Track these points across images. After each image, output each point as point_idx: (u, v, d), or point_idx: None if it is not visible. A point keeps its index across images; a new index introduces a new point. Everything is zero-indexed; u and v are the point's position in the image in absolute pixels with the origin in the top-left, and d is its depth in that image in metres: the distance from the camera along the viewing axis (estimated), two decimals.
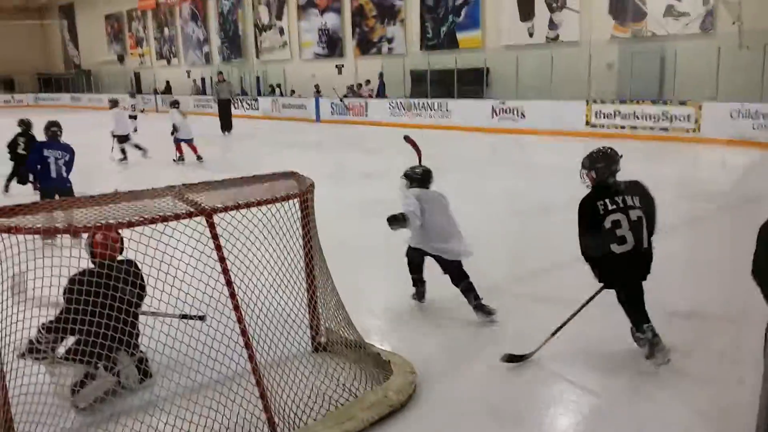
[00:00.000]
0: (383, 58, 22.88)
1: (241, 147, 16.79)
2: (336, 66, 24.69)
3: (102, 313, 3.11)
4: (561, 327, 3.84)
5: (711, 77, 14.29)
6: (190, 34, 32.23)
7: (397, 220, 4.79)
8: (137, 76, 36.17)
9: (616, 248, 3.71)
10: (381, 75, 22.37)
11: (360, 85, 22.71)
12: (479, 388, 3.58)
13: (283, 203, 3.40)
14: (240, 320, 3.04)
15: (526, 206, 8.42)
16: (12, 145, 9.47)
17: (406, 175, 5.16)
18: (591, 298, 3.85)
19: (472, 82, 19.43)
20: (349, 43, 24.25)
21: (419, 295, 4.94)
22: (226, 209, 3.14)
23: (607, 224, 3.73)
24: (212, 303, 3.29)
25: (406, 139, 6.02)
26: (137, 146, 13.82)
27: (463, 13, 20.31)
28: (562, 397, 3.59)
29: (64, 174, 7.25)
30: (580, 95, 16.38)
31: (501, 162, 12.73)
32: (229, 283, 3.05)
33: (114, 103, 14.88)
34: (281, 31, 26.99)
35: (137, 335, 3.57)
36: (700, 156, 13.14)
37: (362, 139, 17.83)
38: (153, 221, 2.96)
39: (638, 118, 15.22)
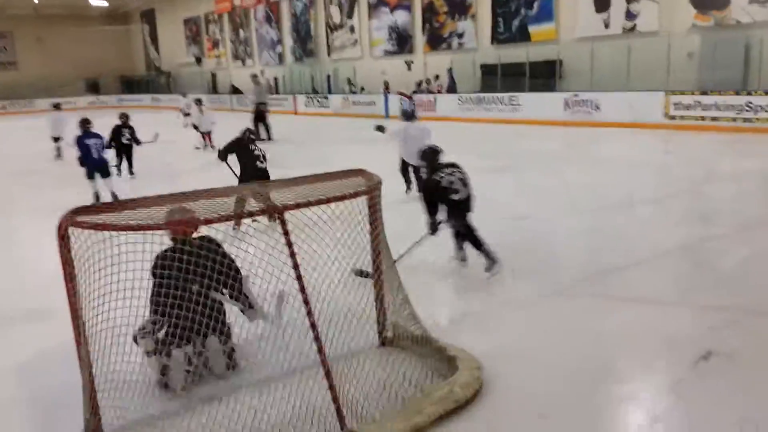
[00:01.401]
0: (453, 53, 22.76)
1: (311, 144, 17.08)
2: (405, 62, 24.75)
3: (188, 288, 3.27)
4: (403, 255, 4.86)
5: None
6: (264, 36, 33.01)
7: (380, 128, 9.17)
8: (214, 76, 37.37)
9: (454, 196, 5.40)
10: (450, 70, 22.26)
11: (429, 80, 22.67)
12: (546, 386, 3.55)
13: (351, 200, 3.48)
14: (309, 314, 3.13)
15: (600, 202, 8.22)
16: (116, 136, 11.25)
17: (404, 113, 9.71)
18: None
19: (543, 75, 19.07)
20: (419, 40, 24.25)
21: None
22: (297, 206, 3.24)
23: (445, 183, 5.42)
24: (285, 298, 3.39)
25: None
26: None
27: (535, 6, 19.95)
28: (634, 396, 3.52)
29: (102, 154, 9.26)
30: (658, 86, 15.81)
31: (574, 156, 12.43)
32: (299, 278, 3.15)
33: (198, 102, 16.97)
34: (352, 30, 27.28)
35: (224, 322, 3.72)
36: None
37: (431, 135, 17.80)
38: (229, 218, 3.10)
39: (720, 109, 14.53)
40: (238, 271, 3.68)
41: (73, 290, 3.04)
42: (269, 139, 17.35)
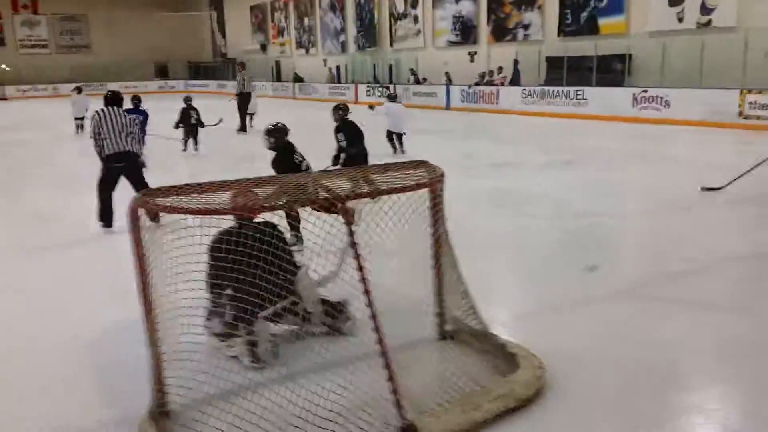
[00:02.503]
0: (518, 44, 22.39)
1: (370, 133, 17.09)
2: (469, 53, 24.50)
3: (244, 271, 3.33)
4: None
5: None
6: (328, 24, 33.23)
7: (370, 107, 12.36)
8: (278, 64, 37.87)
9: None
10: (516, 62, 21.91)
11: (492, 72, 22.37)
12: (607, 390, 3.45)
13: (413, 192, 3.46)
14: (370, 304, 3.13)
15: (667, 203, 7.95)
16: (184, 117, 12.63)
17: (389, 96, 13.36)
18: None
19: (612, 70, 18.58)
20: (484, 30, 23.94)
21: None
22: (358, 197, 3.24)
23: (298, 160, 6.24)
24: (344, 287, 3.40)
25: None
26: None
27: None
28: (702, 406, 3.39)
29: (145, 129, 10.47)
30: (732, 84, 15.14)
31: (641, 154, 12.06)
32: (360, 268, 3.15)
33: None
34: (415, 20, 27.15)
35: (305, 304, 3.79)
36: None
37: (492, 128, 17.59)
38: (291, 206, 3.12)
39: None
40: (294, 265, 3.74)
41: (143, 271, 3.13)
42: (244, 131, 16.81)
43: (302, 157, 6.39)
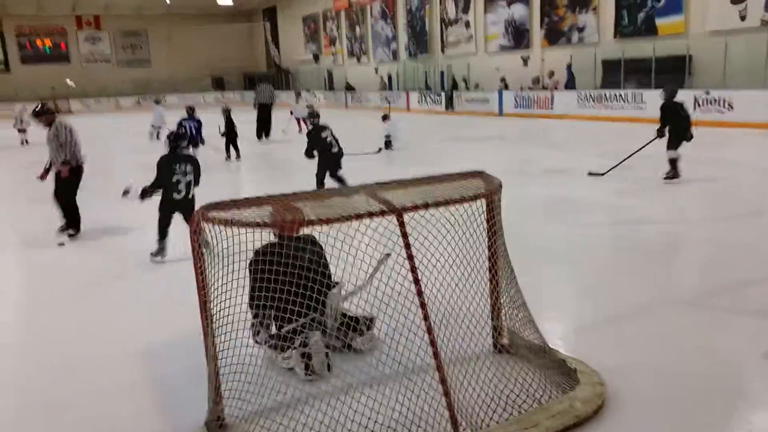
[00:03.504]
0: (573, 48, 22.00)
1: (422, 141, 17.08)
2: (522, 58, 24.22)
3: (288, 283, 3.36)
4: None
5: None
6: (379, 32, 33.42)
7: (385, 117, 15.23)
8: (330, 73, 38.30)
9: (332, 151, 8.76)
10: (569, 66, 21.54)
11: (551, 74, 22.05)
12: (672, 407, 3.32)
13: (470, 203, 3.42)
14: (426, 318, 3.10)
15: (730, 210, 7.65)
16: (228, 125, 13.89)
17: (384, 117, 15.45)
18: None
19: (671, 71, 18.01)
20: (537, 34, 23.63)
21: None
22: (415, 208, 3.21)
23: (328, 139, 8.72)
24: (399, 299, 3.38)
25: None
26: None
27: None
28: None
29: (194, 132, 12.66)
30: None
31: (703, 159, 11.64)
32: (416, 280, 3.13)
33: (298, 95, 21.42)
34: (467, 25, 27.03)
35: (326, 319, 3.80)
36: None
37: (547, 133, 17.32)
38: (348, 219, 3.12)
39: None
40: (326, 281, 3.74)
41: (203, 283, 3.19)
42: (266, 136, 18.66)
43: (335, 140, 8.82)
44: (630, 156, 9.52)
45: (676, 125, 9.14)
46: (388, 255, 3.57)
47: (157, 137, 18.32)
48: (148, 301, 5.36)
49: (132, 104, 41.34)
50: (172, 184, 6.18)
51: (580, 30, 21.78)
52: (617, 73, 19.53)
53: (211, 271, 3.18)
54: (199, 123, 13.04)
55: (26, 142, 19.37)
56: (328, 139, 8.73)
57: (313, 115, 9.33)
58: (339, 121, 20.84)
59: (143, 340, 4.47)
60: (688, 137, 9.15)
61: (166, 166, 6.22)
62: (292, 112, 19.87)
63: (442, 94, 26.51)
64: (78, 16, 43.12)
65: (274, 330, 3.85)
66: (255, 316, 3.79)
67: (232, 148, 14.03)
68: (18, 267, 7.01)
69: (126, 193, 6.71)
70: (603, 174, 9.66)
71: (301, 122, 18.44)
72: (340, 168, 8.80)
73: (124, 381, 3.88)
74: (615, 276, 5.47)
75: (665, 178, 9.24)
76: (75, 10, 41.86)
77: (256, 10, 46.00)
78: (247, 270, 3.55)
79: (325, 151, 8.75)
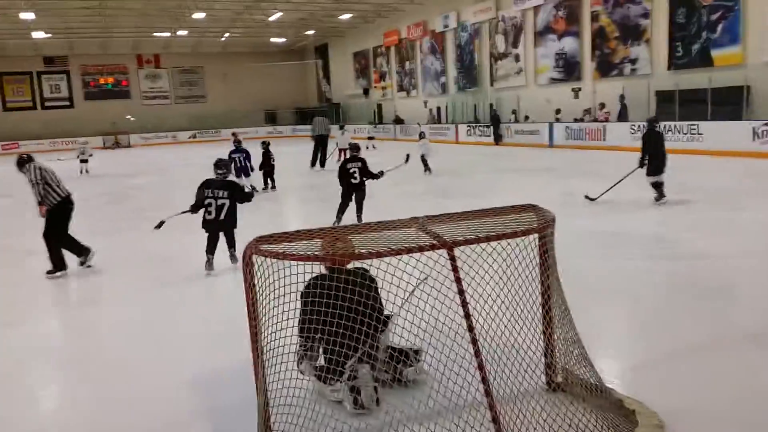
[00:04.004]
0: (625, 79, 21.72)
1: (471, 173, 17.02)
2: (572, 89, 24.04)
3: (337, 315, 3.34)
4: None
5: None
6: (428, 67, 33.76)
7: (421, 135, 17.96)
8: (379, 107, 38.77)
9: (352, 181, 9.41)
10: (622, 97, 21.26)
11: (602, 105, 21.81)
12: None
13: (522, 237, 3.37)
14: (477, 353, 3.04)
15: None
16: (265, 158, 14.66)
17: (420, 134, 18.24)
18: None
19: (728, 102, 17.58)
20: (588, 66, 23.45)
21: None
22: (466, 242, 3.18)
23: (352, 170, 9.48)
24: (450, 334, 3.34)
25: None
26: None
27: (719, 28, 18.51)
28: None
29: (243, 162, 13.51)
30: None
31: (763, 191, 11.26)
32: (467, 315, 3.08)
33: (341, 128, 23.27)
34: (516, 58, 27.06)
35: (376, 352, 3.77)
36: None
37: (599, 165, 17.03)
38: (399, 252, 3.11)
39: None
40: (379, 316, 3.72)
41: (254, 315, 3.22)
42: (322, 166, 19.60)
43: (358, 170, 9.52)
44: (619, 182, 10.46)
45: (657, 152, 10.04)
46: (426, 278, 3.53)
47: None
48: (200, 331, 5.43)
49: (188, 138, 42.66)
50: (204, 207, 6.95)
51: (633, 62, 21.52)
52: (671, 105, 19.16)
53: (263, 303, 3.21)
54: (246, 153, 13.79)
55: (86, 171, 21.13)
56: (352, 170, 9.49)
57: (353, 148, 10.23)
58: (390, 150, 21.08)
59: (195, 371, 4.52)
60: (665, 162, 10.13)
61: (198, 190, 7.06)
62: (337, 144, 21.10)
63: (491, 126, 26.51)
64: (139, 55, 44.98)
65: (322, 362, 3.84)
66: (301, 346, 3.80)
67: (269, 180, 14.79)
68: (69, 294, 7.22)
69: (159, 226, 7.20)
70: (595, 199, 10.51)
71: (343, 153, 19.53)
72: (364, 197, 9.61)
73: (175, 411, 3.92)
74: (671, 313, 5.29)
75: (656, 200, 10.06)
76: (136, 49, 43.67)
77: (309, 47, 47.13)
78: (299, 300, 3.57)
79: (350, 182, 9.48)
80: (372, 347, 3.70)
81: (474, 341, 3.05)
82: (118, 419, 3.91)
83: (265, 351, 3.25)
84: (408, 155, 13.74)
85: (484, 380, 3.01)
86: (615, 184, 10.42)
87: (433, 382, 3.37)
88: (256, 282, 3.19)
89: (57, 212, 7.46)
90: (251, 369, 3.30)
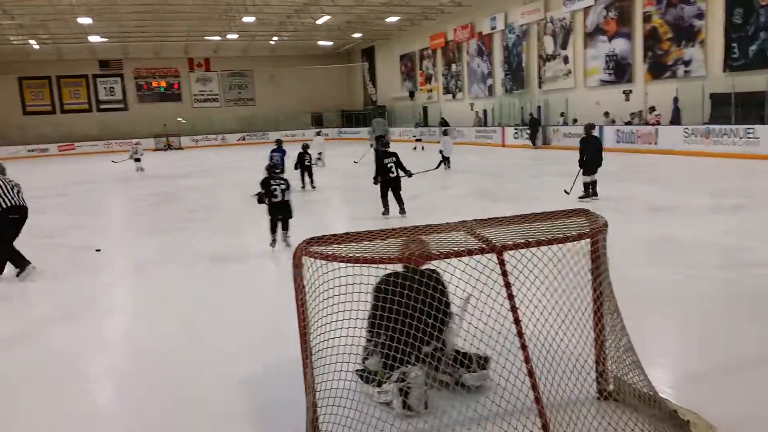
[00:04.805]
0: (678, 81, 21.17)
1: (517, 176, 16.84)
2: (623, 92, 23.54)
3: (403, 314, 3.36)
4: None
5: None
6: (475, 69, 33.55)
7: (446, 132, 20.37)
8: (425, 110, 38.72)
9: (390, 176, 10.28)
10: (675, 99, 20.72)
11: (650, 109, 21.31)
12: None
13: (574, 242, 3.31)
14: (527, 360, 3.00)
15: None
16: (300, 159, 15.61)
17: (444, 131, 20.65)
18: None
19: None
20: (639, 68, 22.93)
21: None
22: (516, 247, 3.15)
23: (389, 165, 10.30)
24: (499, 339, 3.31)
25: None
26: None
27: None
28: None
29: (278, 161, 14.56)
30: None
31: None
32: (517, 321, 3.05)
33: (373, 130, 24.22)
34: (565, 60, 26.65)
35: (440, 354, 3.77)
36: None
37: (651, 169, 16.66)
38: (447, 256, 3.10)
39: None
40: (444, 318, 3.71)
41: (303, 315, 3.24)
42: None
43: (393, 164, 10.40)
44: (574, 182, 11.70)
45: (593, 155, 11.47)
46: (469, 298, 3.50)
47: (322, 162, 21.57)
48: (252, 329, 5.51)
49: (236, 140, 43.43)
50: (270, 193, 8.51)
51: (686, 64, 20.95)
52: (726, 108, 18.59)
53: (312, 303, 3.24)
54: (283, 152, 15.71)
55: (141, 169, 22.53)
56: (389, 165, 10.42)
57: (383, 143, 11.77)
58: (432, 154, 21.01)
59: (246, 368, 4.59)
60: (600, 164, 11.63)
61: (264, 183, 8.63)
62: (371, 144, 22.36)
63: (540, 128, 26.22)
64: (190, 59, 45.99)
65: (373, 363, 3.86)
66: (369, 341, 3.84)
67: (306, 178, 15.75)
68: (123, 292, 7.42)
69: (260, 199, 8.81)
70: (569, 192, 11.63)
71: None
72: (400, 189, 10.58)
73: (224, 408, 3.98)
74: (728, 322, 5.12)
75: (580, 198, 11.19)
76: (187, 53, 44.68)
77: (355, 50, 47.41)
78: (371, 294, 3.63)
79: (385, 175, 10.46)
80: (435, 348, 3.70)
81: (524, 347, 3.01)
82: (167, 414, 4.00)
83: (313, 351, 3.27)
84: (440, 162, 14.13)
85: (534, 387, 2.97)
86: (575, 179, 11.71)
87: (484, 388, 3.34)
88: (305, 283, 3.22)
89: (1, 220, 7.59)
90: (299, 368, 3.33)
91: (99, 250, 9.07)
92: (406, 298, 3.38)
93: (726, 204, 10.13)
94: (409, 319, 3.38)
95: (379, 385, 3.77)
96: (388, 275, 3.54)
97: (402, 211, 10.52)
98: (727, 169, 15.38)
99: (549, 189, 13.66)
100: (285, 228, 8.60)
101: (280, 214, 8.55)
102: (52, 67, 42.64)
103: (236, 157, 30.26)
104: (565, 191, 11.72)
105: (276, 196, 8.55)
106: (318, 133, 25.40)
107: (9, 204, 7.62)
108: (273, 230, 8.59)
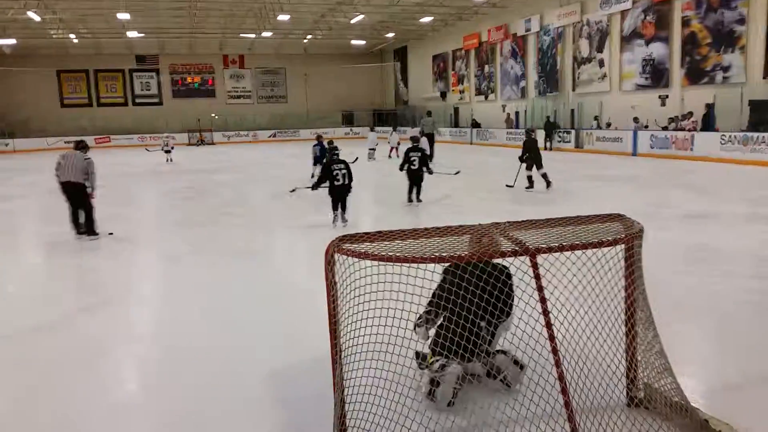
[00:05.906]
0: (716, 87, 20.77)
1: (553, 180, 16.66)
2: (659, 97, 23.17)
3: (462, 306, 3.41)
4: None
5: None
6: (508, 70, 33.31)
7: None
8: (456, 110, 38.58)
9: (412, 168, 11.97)
10: (709, 105, 20.34)
11: (687, 114, 20.95)
12: None
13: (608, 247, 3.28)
14: (558, 364, 2.99)
15: None
16: (321, 153, 16.01)
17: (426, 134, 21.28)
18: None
19: None
20: (677, 73, 22.54)
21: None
22: (549, 250, 3.13)
23: (413, 158, 11.89)
24: (530, 343, 3.29)
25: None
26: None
27: None
28: None
29: (321, 155, 15.72)
30: None
31: None
32: (548, 324, 3.03)
33: (394, 129, 27.83)
34: (601, 63, 26.32)
35: (488, 346, 3.81)
36: None
37: (686, 175, 16.37)
38: (481, 257, 3.09)
39: None
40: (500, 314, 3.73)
41: (334, 312, 3.27)
42: (430, 161, 22.21)
43: (418, 158, 11.90)
44: (518, 174, 13.87)
45: (533, 155, 13.79)
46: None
47: (373, 158, 23.62)
48: (282, 323, 5.56)
49: (268, 137, 43.82)
50: (333, 177, 9.66)
51: (725, 69, 20.54)
52: (765, 114, 18.18)
53: (343, 300, 3.25)
54: (324, 147, 16.38)
55: (171, 160, 24.78)
56: (413, 159, 11.93)
57: (413, 139, 13.12)
58: (466, 155, 20.97)
59: (276, 362, 4.63)
60: (540, 164, 13.75)
61: (327, 168, 9.85)
62: (389, 142, 24.98)
63: (572, 132, 25.96)
64: (225, 56, 46.51)
65: (425, 331, 3.98)
66: (426, 312, 3.91)
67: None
68: (151, 283, 7.53)
69: (293, 191, 10.16)
70: (512, 186, 13.88)
71: (395, 150, 24.18)
72: (421, 181, 12.11)
73: (253, 402, 4.03)
74: (764, 333, 5.02)
75: (526, 188, 13.65)
76: (222, 50, 45.19)
77: (387, 50, 47.45)
78: (441, 275, 3.76)
79: (410, 168, 12.03)
80: (484, 340, 3.75)
81: (555, 351, 3.00)
82: (196, 401, 4.07)
83: (343, 348, 3.29)
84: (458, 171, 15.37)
85: (564, 391, 2.96)
86: (518, 174, 13.81)
87: (513, 391, 3.33)
88: (336, 280, 3.24)
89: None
90: (328, 364, 3.36)
91: (111, 234, 9.90)
92: (472, 286, 3.42)
93: (763, 213, 9.91)
94: (466, 311, 3.41)
95: (427, 367, 3.82)
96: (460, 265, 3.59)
97: (418, 200, 12.17)
98: (765, 177, 15.04)
99: (585, 194, 13.53)
100: (344, 208, 9.69)
101: (342, 195, 9.66)
102: (89, 61, 43.54)
103: (267, 153, 30.52)
104: (508, 185, 13.94)
105: (338, 180, 9.67)
106: (371, 130, 27.42)
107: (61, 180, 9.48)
108: (335, 208, 9.76)
